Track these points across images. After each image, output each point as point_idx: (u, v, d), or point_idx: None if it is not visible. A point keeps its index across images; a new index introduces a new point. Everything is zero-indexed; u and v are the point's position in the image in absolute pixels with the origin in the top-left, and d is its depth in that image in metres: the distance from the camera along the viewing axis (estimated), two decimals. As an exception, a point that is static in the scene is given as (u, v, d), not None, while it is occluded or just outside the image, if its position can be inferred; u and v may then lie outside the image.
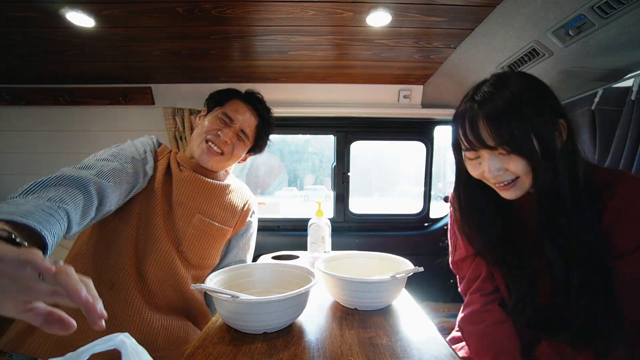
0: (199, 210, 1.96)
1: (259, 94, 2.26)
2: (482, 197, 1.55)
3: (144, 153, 1.88)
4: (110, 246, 1.79)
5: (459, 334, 1.72)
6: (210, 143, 1.99)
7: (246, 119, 2.10)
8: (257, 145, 2.22)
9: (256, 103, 2.18)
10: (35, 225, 1.02)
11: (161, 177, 1.92)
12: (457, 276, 1.80)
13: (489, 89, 1.35)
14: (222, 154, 1.99)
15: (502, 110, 1.29)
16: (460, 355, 1.58)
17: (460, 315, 1.69)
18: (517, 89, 1.31)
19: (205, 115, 2.13)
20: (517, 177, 1.36)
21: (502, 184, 1.39)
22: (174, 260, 1.84)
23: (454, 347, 1.61)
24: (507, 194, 1.41)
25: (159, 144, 2.08)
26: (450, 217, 1.83)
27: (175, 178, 1.96)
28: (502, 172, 1.35)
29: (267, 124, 2.25)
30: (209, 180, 2.05)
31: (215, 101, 2.13)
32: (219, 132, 1.97)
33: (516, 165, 1.32)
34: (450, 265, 1.83)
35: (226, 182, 2.18)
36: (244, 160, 2.29)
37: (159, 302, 1.80)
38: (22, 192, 1.22)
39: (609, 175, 1.35)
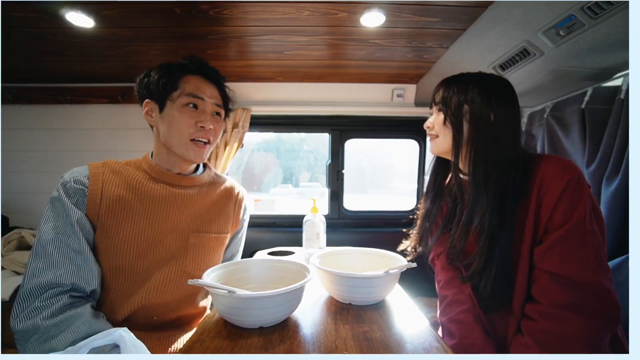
0: (191, 230, 1.79)
1: (193, 56, 1.81)
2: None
3: (74, 184, 1.60)
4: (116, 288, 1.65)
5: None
6: (195, 140, 1.73)
7: (213, 93, 1.78)
8: (227, 112, 1.93)
9: (207, 71, 1.81)
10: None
11: (134, 202, 1.67)
12: (435, 274, 1.89)
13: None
14: (208, 142, 1.77)
15: (450, 81, 1.67)
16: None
17: (438, 310, 1.80)
18: (474, 76, 1.63)
19: (160, 110, 1.73)
20: (438, 136, 1.69)
21: (430, 137, 1.75)
22: (183, 280, 1.71)
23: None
24: (430, 146, 1.78)
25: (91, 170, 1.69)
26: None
27: (155, 200, 1.72)
28: (431, 125, 1.72)
29: (224, 89, 1.89)
30: (192, 191, 1.84)
31: (166, 87, 1.69)
32: (201, 125, 1.70)
33: (438, 124, 1.66)
34: (430, 263, 1.92)
35: (208, 180, 1.96)
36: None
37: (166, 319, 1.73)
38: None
39: (536, 156, 1.53)
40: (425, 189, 1.92)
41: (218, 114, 1.80)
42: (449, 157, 1.68)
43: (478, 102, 1.54)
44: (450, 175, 1.80)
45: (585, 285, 1.30)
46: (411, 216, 1.98)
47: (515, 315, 1.47)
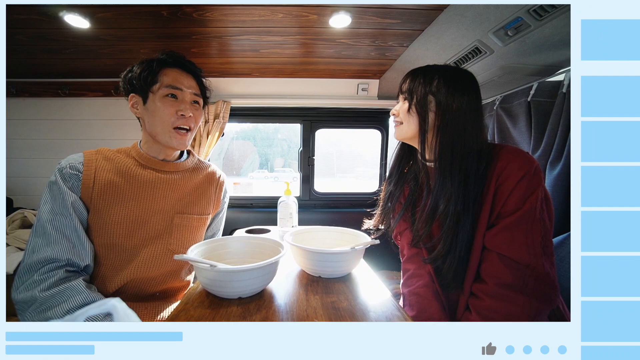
0: (175, 211, 1.79)
1: (171, 51, 1.81)
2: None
3: (70, 169, 1.61)
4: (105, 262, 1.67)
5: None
6: (177, 128, 1.72)
7: (190, 84, 1.77)
8: (205, 101, 1.91)
9: (184, 63, 1.79)
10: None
11: (124, 186, 1.68)
12: (399, 248, 1.87)
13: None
14: (189, 129, 1.76)
15: (417, 72, 1.60)
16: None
17: (401, 282, 1.79)
18: (440, 68, 1.58)
19: (143, 102, 1.72)
20: (402, 123, 1.63)
21: (395, 123, 1.69)
22: (168, 257, 1.74)
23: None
24: (395, 132, 1.71)
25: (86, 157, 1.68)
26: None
27: (143, 184, 1.73)
28: (396, 113, 1.66)
29: (201, 80, 1.86)
30: (176, 176, 1.84)
31: (147, 80, 1.69)
32: (181, 114, 1.70)
33: (403, 111, 1.61)
34: (393, 239, 1.91)
35: (192, 166, 1.95)
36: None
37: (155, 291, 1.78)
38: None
39: (497, 146, 1.51)
40: (388, 173, 1.90)
41: (197, 102, 1.79)
42: (412, 143, 1.67)
43: (443, 93, 1.50)
44: (412, 161, 1.80)
45: (529, 267, 1.31)
46: (375, 197, 1.98)
47: (465, 294, 1.49)
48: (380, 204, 1.89)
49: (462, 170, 1.45)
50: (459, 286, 1.50)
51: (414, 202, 1.72)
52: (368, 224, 1.94)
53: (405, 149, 1.80)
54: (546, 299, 1.32)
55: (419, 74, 1.57)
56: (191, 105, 1.74)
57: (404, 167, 1.82)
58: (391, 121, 1.73)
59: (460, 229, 1.45)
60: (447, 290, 1.56)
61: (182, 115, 1.68)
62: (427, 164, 1.62)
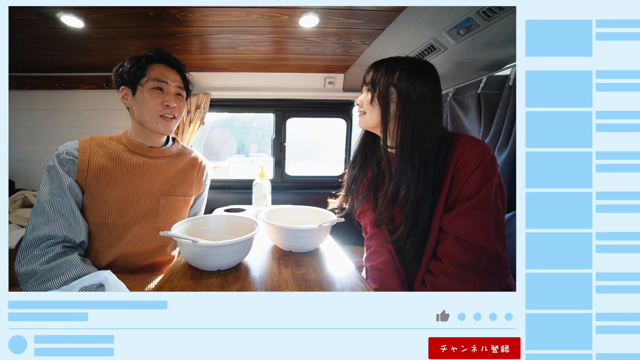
0: (162, 192, 1.81)
1: (158, 48, 1.83)
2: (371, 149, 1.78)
3: (66, 155, 1.63)
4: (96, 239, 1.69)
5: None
6: (163, 116, 1.73)
7: (175, 78, 1.79)
8: (187, 93, 1.91)
9: (169, 59, 1.80)
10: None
11: (115, 170, 1.69)
12: (362, 225, 1.86)
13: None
14: (174, 117, 1.77)
15: (379, 64, 1.53)
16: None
17: (364, 256, 1.79)
18: (402, 60, 1.52)
19: (133, 94, 1.73)
20: (365, 113, 1.56)
21: (359, 113, 1.63)
22: (155, 234, 1.77)
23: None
24: (359, 121, 1.65)
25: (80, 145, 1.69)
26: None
27: (132, 168, 1.74)
28: (360, 103, 1.59)
29: (184, 74, 1.87)
30: (162, 161, 1.85)
31: (136, 74, 1.70)
32: (166, 104, 1.72)
33: (366, 102, 1.54)
34: (357, 217, 1.89)
35: (176, 152, 1.94)
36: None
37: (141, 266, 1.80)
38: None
39: (455, 135, 1.48)
40: (352, 158, 1.87)
41: (180, 94, 1.81)
42: (375, 131, 1.64)
43: (404, 85, 1.44)
44: (374, 147, 1.77)
45: (482, 249, 1.32)
46: (340, 180, 1.97)
47: (421, 271, 1.49)
48: (345, 186, 1.89)
49: (421, 157, 1.43)
50: (418, 264, 1.50)
51: (376, 185, 1.70)
52: (333, 203, 1.95)
53: (368, 137, 1.77)
54: (497, 277, 1.35)
55: (382, 66, 1.53)
56: (175, 97, 1.76)
57: (367, 153, 1.80)
58: (355, 111, 1.69)
59: (420, 213, 1.44)
60: (407, 267, 1.56)
61: (167, 105, 1.71)
62: (389, 150, 1.59)
